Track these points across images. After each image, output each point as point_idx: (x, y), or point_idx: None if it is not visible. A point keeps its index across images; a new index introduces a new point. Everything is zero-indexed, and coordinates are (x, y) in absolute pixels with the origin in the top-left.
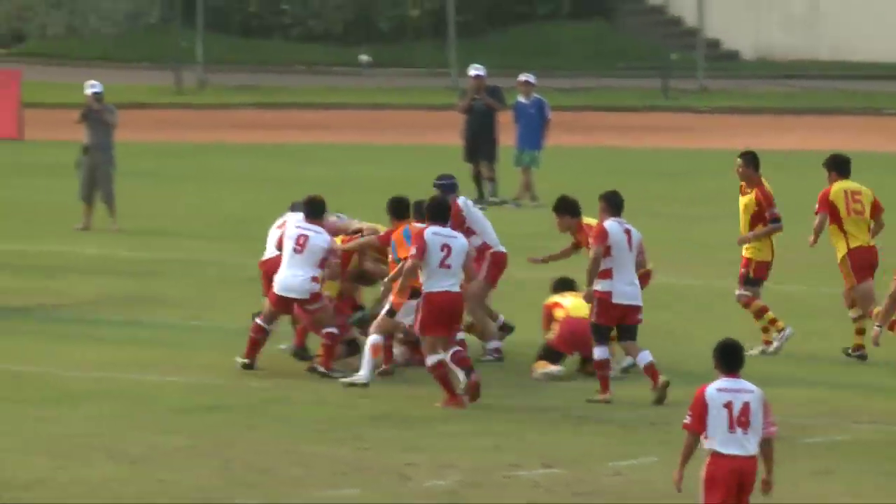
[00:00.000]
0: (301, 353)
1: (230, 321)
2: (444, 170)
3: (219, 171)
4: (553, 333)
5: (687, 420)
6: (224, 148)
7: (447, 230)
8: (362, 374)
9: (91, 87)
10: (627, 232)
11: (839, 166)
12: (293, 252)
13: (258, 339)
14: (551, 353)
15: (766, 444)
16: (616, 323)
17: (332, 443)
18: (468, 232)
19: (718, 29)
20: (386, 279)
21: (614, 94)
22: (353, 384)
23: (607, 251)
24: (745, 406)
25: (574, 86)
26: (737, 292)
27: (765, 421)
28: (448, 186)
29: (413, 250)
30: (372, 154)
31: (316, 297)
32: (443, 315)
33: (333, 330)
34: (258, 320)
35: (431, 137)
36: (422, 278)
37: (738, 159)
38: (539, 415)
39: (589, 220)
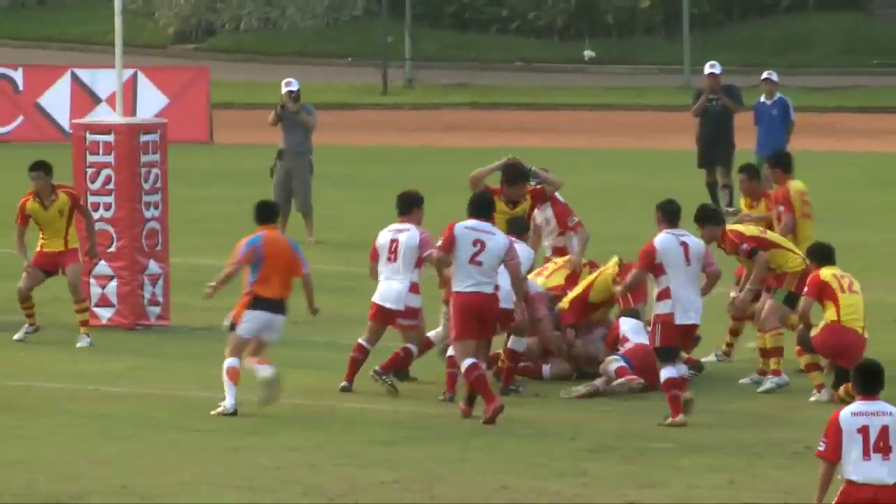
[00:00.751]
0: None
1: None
2: (675, 177)
3: (428, 178)
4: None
5: (821, 447)
6: (433, 152)
7: (485, 225)
8: (227, 403)
9: (287, 85)
10: (684, 245)
11: None
12: (387, 262)
13: (357, 358)
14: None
15: None
16: (679, 344)
17: (551, 477)
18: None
19: None
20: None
21: (869, 94)
22: (222, 413)
23: (660, 270)
24: (884, 430)
25: (823, 84)
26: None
27: None
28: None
29: (439, 242)
30: (596, 159)
31: (412, 313)
32: (470, 317)
33: (413, 348)
34: (360, 339)
35: (661, 141)
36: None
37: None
38: (772, 448)
39: (734, 227)
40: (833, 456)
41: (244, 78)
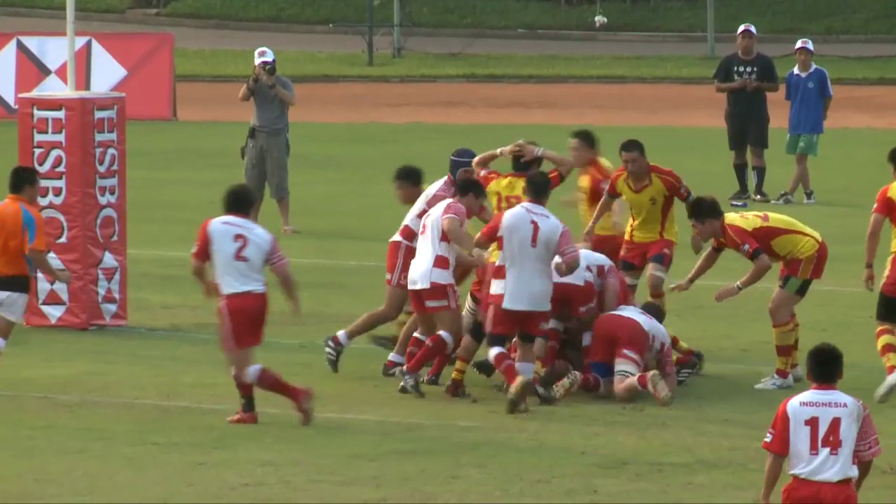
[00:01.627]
0: (482, 365)
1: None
2: (698, 158)
3: (418, 159)
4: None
5: (767, 438)
6: (424, 130)
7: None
8: None
9: (261, 55)
10: (534, 224)
11: None
12: (421, 238)
13: (414, 353)
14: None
15: (862, 469)
16: (509, 331)
17: (555, 496)
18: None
19: None
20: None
21: None
22: None
23: (501, 245)
24: (835, 422)
25: (864, 53)
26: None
27: (862, 441)
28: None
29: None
30: (608, 138)
31: (439, 291)
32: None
33: (446, 336)
34: (415, 334)
35: (681, 118)
36: None
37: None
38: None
39: (733, 219)
40: (779, 448)
41: (212, 47)
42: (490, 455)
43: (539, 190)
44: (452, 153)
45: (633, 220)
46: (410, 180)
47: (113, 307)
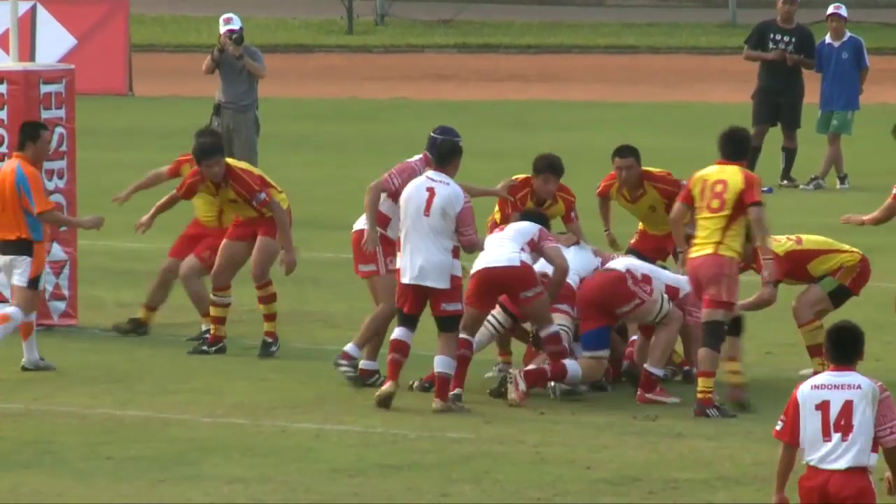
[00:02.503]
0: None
1: (416, 346)
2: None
3: (403, 138)
4: None
5: (777, 426)
6: (410, 107)
7: None
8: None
9: (227, 22)
10: (430, 191)
11: None
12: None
13: (465, 355)
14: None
15: (890, 457)
16: (412, 310)
17: None
18: None
19: None
20: None
21: None
22: None
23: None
24: (847, 405)
25: None
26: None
27: (881, 426)
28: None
29: None
30: (617, 115)
31: (454, 287)
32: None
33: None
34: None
35: (700, 93)
36: None
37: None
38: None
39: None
40: (788, 437)
41: (171, 13)
42: (484, 470)
43: (442, 157)
44: (434, 129)
45: (640, 224)
46: None
47: (62, 305)
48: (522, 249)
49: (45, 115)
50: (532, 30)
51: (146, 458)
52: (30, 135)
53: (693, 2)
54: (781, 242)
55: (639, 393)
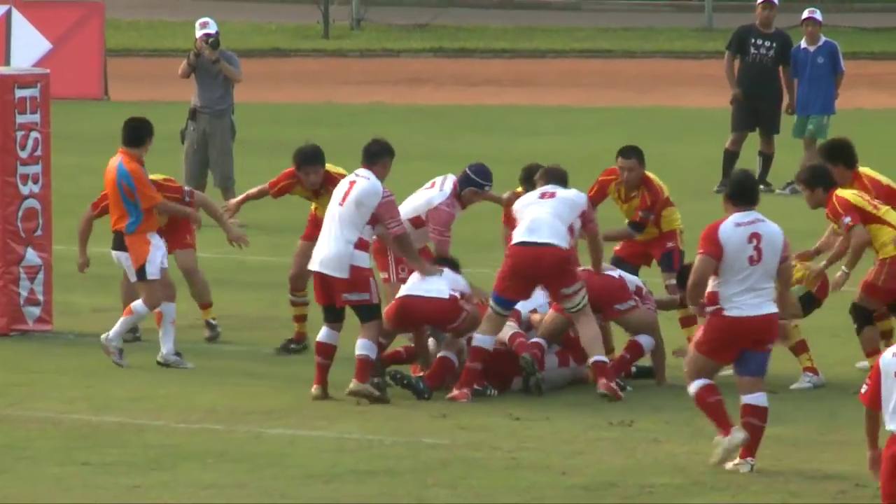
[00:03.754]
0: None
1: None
2: (693, 141)
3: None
4: None
5: (862, 389)
6: (386, 111)
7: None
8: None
9: (203, 27)
10: (351, 183)
11: None
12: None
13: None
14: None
15: None
16: (324, 301)
17: None
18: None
19: None
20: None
21: None
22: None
23: None
24: None
25: (880, 24)
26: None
27: None
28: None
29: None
30: (592, 120)
31: (357, 278)
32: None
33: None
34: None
35: (675, 97)
36: None
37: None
38: (812, 485)
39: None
40: (869, 401)
41: (147, 17)
42: (460, 475)
43: (371, 155)
44: (469, 166)
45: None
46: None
47: (36, 310)
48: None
49: (19, 119)
50: (507, 34)
51: (121, 463)
52: (129, 134)
53: (669, 6)
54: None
55: (602, 382)
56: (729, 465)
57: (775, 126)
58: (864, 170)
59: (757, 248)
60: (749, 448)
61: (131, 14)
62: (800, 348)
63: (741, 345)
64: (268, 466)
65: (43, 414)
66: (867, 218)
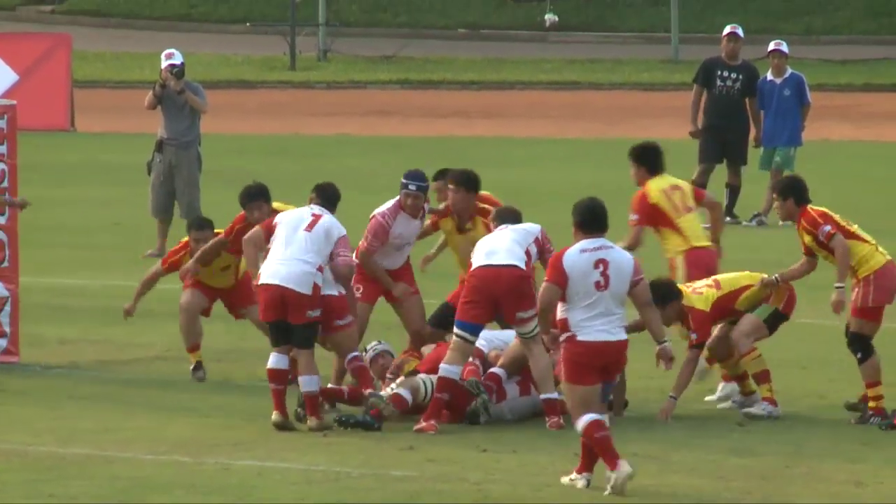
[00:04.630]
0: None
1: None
2: (668, 173)
3: (345, 175)
4: None
5: None
6: (353, 143)
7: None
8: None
9: (169, 57)
10: (315, 216)
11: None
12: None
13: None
14: None
15: None
16: (274, 316)
17: None
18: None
19: None
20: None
21: None
22: None
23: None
24: None
25: (847, 56)
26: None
27: None
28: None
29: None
30: (560, 151)
31: (316, 296)
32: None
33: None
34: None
35: (642, 128)
36: None
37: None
38: None
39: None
40: None
41: (114, 49)
42: None
43: (327, 199)
44: (405, 174)
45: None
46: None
47: (3, 342)
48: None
49: None
50: (476, 66)
51: (88, 495)
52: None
53: (635, 37)
54: (703, 293)
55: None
56: (565, 480)
57: (743, 158)
58: (813, 208)
59: (604, 274)
60: (588, 463)
61: (97, 46)
62: (762, 378)
63: (598, 368)
64: (235, 498)
65: (9, 446)
66: (842, 232)
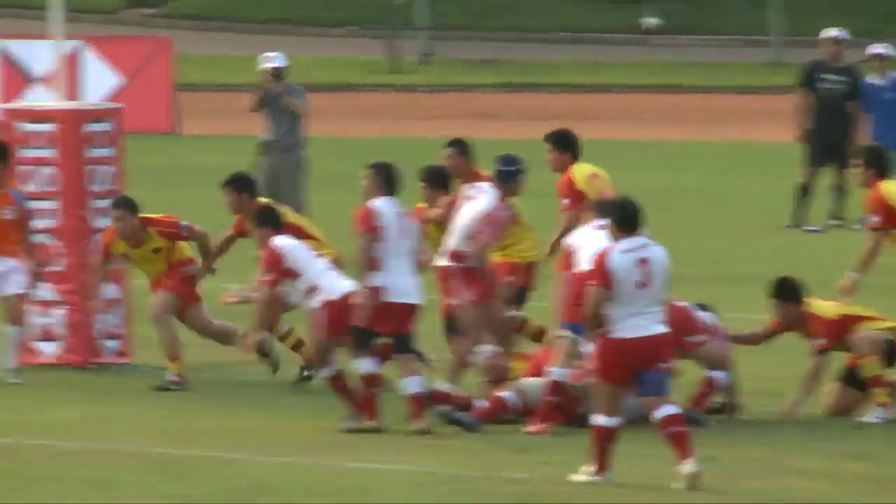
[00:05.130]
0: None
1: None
2: (762, 176)
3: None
4: None
5: None
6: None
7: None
8: None
9: (269, 60)
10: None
11: None
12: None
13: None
14: None
15: None
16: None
17: None
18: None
19: None
20: None
21: None
22: None
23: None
24: None
25: None
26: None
27: None
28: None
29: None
30: (660, 154)
31: None
32: None
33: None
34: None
35: (744, 131)
36: None
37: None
38: None
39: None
40: None
41: (214, 52)
42: None
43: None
44: (498, 161)
45: None
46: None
47: (115, 344)
48: None
49: (92, 153)
50: (577, 69)
51: (206, 495)
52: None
53: (736, 40)
54: (834, 304)
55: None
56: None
57: (847, 160)
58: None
59: (646, 273)
60: (686, 451)
61: (198, 49)
62: (879, 381)
63: (632, 366)
64: (352, 501)
65: (125, 448)
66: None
